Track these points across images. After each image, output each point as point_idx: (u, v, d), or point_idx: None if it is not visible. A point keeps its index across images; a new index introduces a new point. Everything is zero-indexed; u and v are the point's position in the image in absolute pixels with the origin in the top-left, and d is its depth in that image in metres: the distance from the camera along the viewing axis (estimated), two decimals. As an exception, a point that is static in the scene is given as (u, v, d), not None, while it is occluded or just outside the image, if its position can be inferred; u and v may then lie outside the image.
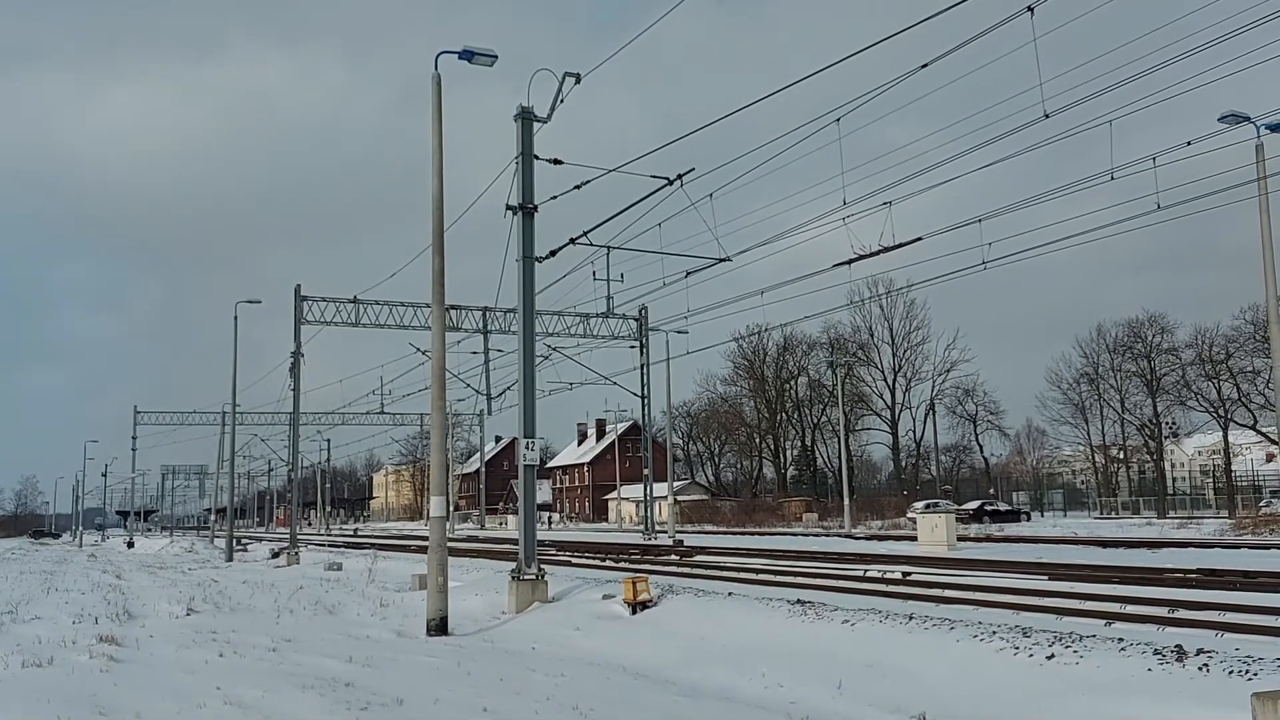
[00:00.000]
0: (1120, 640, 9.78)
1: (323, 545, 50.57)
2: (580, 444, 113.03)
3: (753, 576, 20.85)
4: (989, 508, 56.65)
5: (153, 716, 9.03)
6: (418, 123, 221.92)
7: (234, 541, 46.18)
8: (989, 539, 37.80)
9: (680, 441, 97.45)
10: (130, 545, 66.18)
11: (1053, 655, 9.60)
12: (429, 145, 16.39)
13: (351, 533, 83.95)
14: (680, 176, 18.22)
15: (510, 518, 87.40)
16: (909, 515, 53.10)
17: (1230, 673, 8.30)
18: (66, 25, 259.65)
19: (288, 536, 41.66)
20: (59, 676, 11.18)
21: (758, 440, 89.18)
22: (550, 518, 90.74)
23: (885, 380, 78.27)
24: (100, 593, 23.34)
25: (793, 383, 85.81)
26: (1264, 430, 63.74)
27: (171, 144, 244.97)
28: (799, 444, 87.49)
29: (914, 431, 78.89)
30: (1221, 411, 64.94)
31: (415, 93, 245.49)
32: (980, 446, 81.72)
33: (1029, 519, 58.84)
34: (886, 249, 18.70)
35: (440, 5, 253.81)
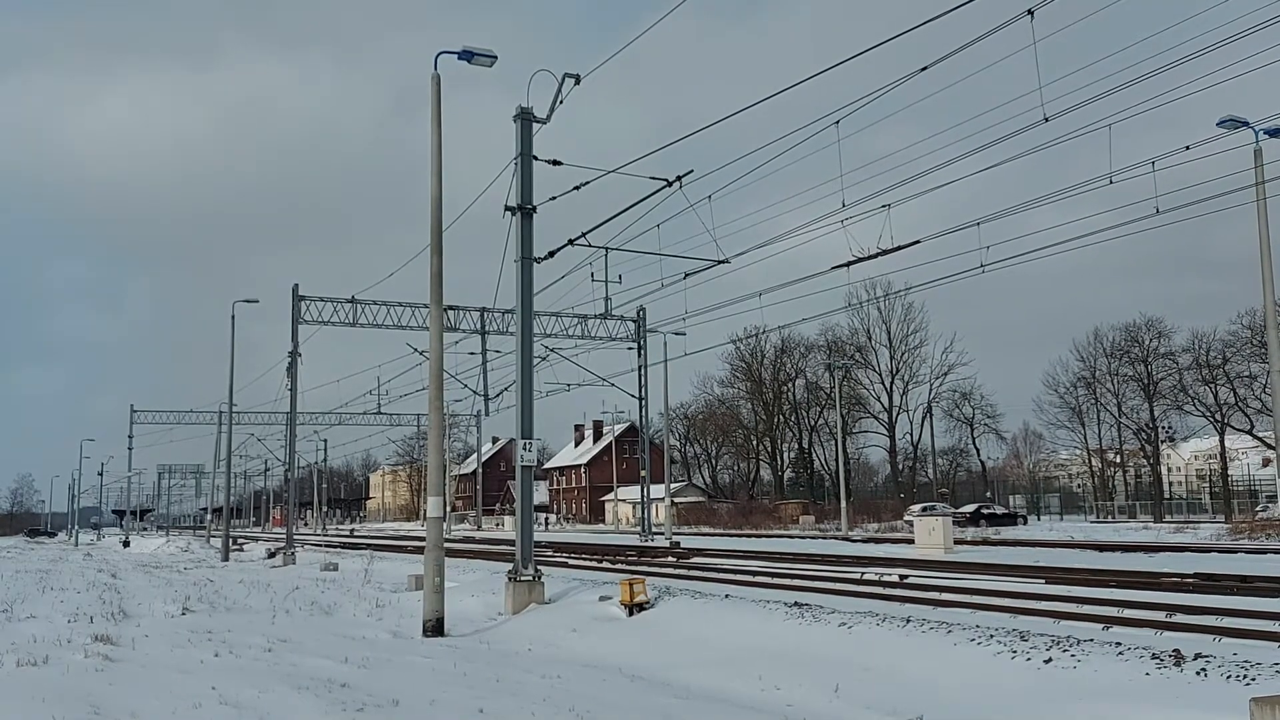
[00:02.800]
0: (1118, 644, 9.78)
1: (319, 545, 50.51)
2: (577, 445, 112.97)
3: (749, 579, 20.83)
4: (986, 511, 56.68)
5: (148, 716, 9.00)
6: (412, 127, 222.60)
7: (230, 541, 46.10)
8: (986, 542, 37.78)
9: (677, 443, 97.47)
10: (126, 544, 66.00)
11: (1050, 659, 9.59)
12: (427, 147, 16.41)
13: (348, 533, 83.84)
14: (679, 178, 18.21)
15: (507, 518, 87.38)
16: (906, 518, 53.15)
17: (1228, 677, 8.30)
18: (65, 30, 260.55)
19: (284, 536, 41.60)
20: (54, 675, 11.15)
21: (755, 442, 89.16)
22: (547, 519, 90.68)
23: (883, 383, 78.36)
24: (95, 592, 23.29)
25: (790, 385, 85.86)
26: (1260, 435, 63.80)
27: (168, 147, 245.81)
28: (796, 446, 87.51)
29: (911, 434, 78.99)
30: (1218, 416, 65.02)
31: (409, 98, 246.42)
32: (977, 450, 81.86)
33: (1025, 522, 58.87)
34: (885, 252, 18.66)
35: (435, 10, 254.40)
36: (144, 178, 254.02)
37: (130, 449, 67.63)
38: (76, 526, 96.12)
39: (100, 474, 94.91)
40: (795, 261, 40.77)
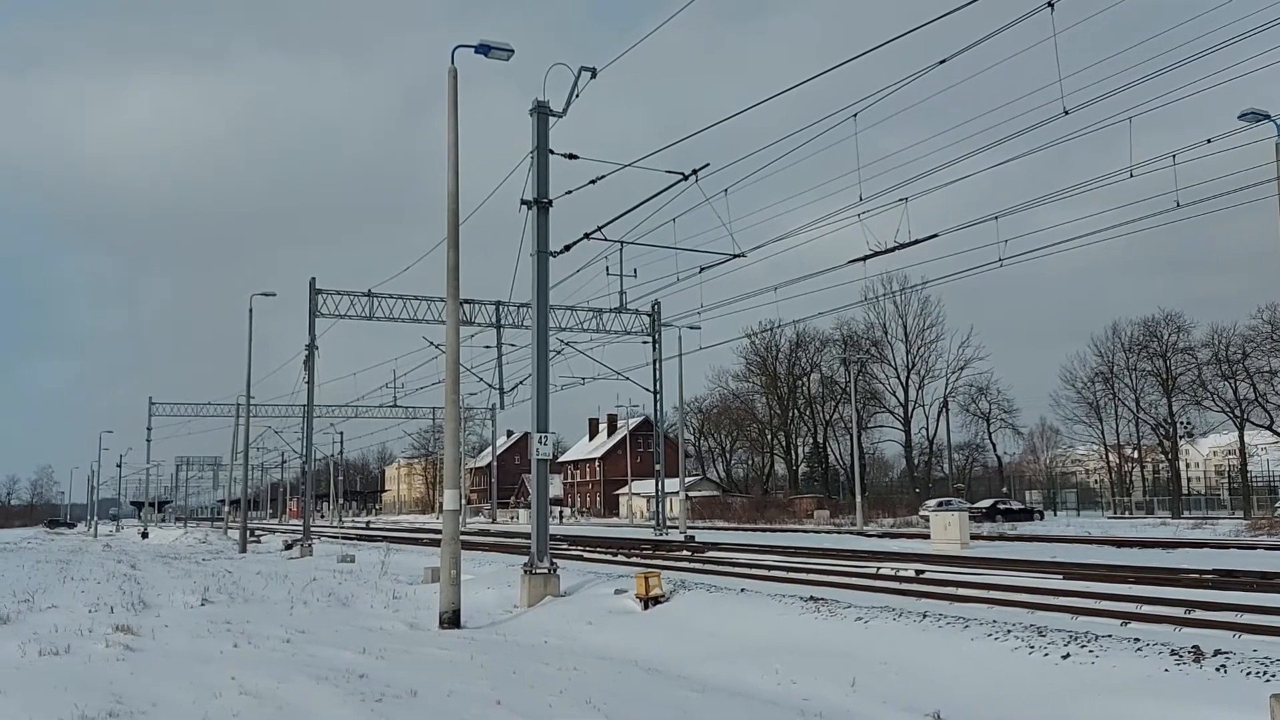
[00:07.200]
0: (1136, 640, 9.72)
1: (335, 537, 50.76)
2: (592, 439, 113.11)
3: (765, 573, 20.82)
4: (1002, 506, 56.39)
5: (169, 705, 9.08)
6: (421, 126, 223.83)
7: (247, 533, 46.40)
8: (1002, 538, 37.66)
9: (692, 437, 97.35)
10: (145, 535, 66.61)
11: (1068, 654, 9.55)
12: (440, 143, 16.44)
13: (364, 525, 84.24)
14: (695, 172, 18.19)
15: (521, 512, 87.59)
16: (921, 513, 52.92)
17: (1248, 674, 8.24)
18: (84, 35, 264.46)
19: (301, 528, 41.85)
20: (76, 665, 11.26)
21: (769, 437, 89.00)
22: (561, 512, 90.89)
23: (898, 377, 77.98)
24: (115, 582, 23.50)
25: (805, 379, 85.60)
26: (1280, 430, 63.26)
27: (184, 146, 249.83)
28: (811, 441, 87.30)
29: (927, 429, 78.59)
30: (1237, 411, 64.50)
31: (418, 97, 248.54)
32: (993, 445, 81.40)
33: (1042, 518, 58.57)
34: (902, 245, 18.62)
35: (443, 11, 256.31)
36: (161, 176, 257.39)
37: (149, 441, 68.09)
38: (95, 517, 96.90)
39: (119, 466, 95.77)
40: (811, 256, 40.67)
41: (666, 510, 49.06)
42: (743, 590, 15.59)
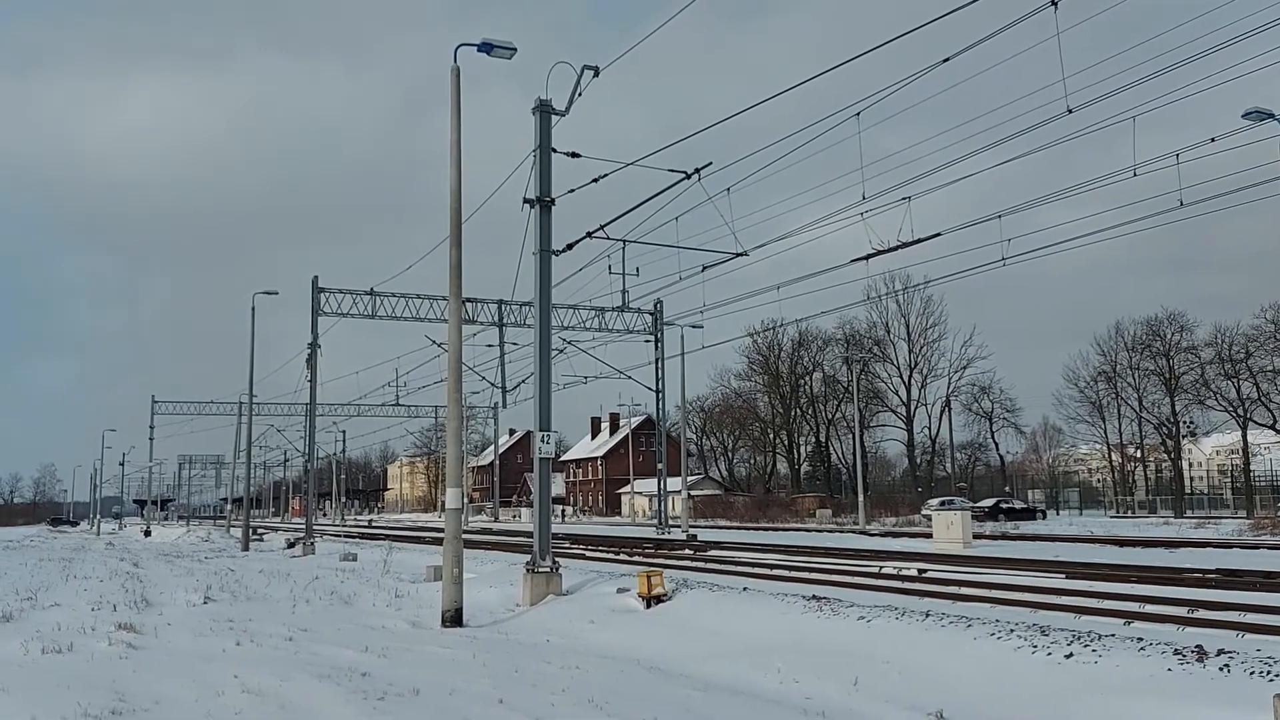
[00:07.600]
0: (1140, 640, 9.71)
1: (338, 536, 50.83)
2: (594, 438, 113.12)
3: (767, 572, 20.82)
4: (1004, 505, 56.33)
5: (172, 703, 9.09)
6: (420, 125, 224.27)
7: (250, 531, 46.44)
8: (1004, 537, 37.64)
9: (694, 436, 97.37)
10: (147, 534, 66.68)
11: (1071, 654, 9.53)
12: (438, 142, 16.45)
13: (366, 524, 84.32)
14: (697, 171, 18.17)
15: (524, 510, 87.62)
16: (923, 513, 52.89)
17: (1252, 674, 8.22)
18: (84, 35, 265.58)
19: (303, 526, 41.88)
20: (79, 663, 11.27)
21: (772, 436, 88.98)
22: (563, 511, 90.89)
23: (901, 377, 77.99)
24: (118, 580, 23.52)
25: (807, 378, 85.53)
26: (1283, 430, 63.14)
27: (185, 146, 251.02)
28: (813, 440, 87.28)
29: (929, 428, 78.59)
30: (1240, 411, 64.44)
31: (418, 97, 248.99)
32: (996, 444, 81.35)
33: (1044, 517, 58.52)
34: (905, 244, 18.60)
35: (443, 10, 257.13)
36: (161, 176, 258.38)
37: (151, 439, 68.06)
38: (98, 516, 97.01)
39: (122, 464, 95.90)
40: (813, 255, 40.50)
41: (669, 509, 49.03)
42: (745, 589, 15.59)
